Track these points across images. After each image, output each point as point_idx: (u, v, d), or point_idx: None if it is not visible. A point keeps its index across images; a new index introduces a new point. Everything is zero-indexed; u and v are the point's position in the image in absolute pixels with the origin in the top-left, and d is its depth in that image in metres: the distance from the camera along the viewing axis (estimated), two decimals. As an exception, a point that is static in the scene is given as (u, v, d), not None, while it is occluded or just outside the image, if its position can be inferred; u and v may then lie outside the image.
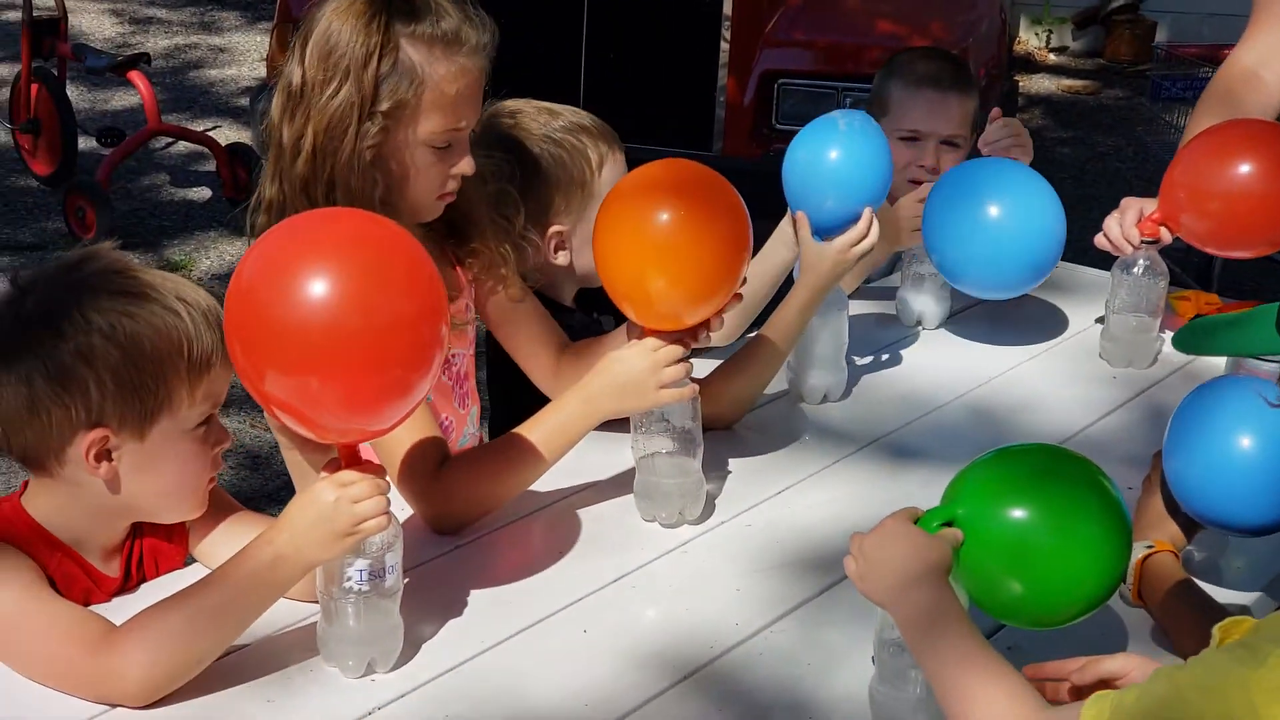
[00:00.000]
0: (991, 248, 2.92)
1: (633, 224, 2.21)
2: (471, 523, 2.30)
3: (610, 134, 2.74)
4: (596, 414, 2.28)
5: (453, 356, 2.52)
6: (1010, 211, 2.91)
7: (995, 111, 3.34)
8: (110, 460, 1.93)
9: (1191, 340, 1.91)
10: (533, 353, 2.59)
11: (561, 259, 2.72)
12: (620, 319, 2.47)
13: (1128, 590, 2.07)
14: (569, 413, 2.28)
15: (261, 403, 1.83)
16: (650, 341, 2.25)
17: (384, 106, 2.25)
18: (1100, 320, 3.09)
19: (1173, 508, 2.16)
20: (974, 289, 3.06)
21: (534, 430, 2.28)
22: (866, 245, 2.56)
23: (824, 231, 2.55)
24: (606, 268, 2.24)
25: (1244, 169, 2.82)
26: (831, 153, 2.55)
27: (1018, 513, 1.83)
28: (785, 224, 2.68)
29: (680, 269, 2.20)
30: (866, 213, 2.54)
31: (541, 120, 2.69)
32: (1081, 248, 3.17)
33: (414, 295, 1.81)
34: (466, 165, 2.35)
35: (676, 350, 2.25)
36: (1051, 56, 10.31)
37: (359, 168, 2.24)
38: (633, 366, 2.24)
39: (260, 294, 1.77)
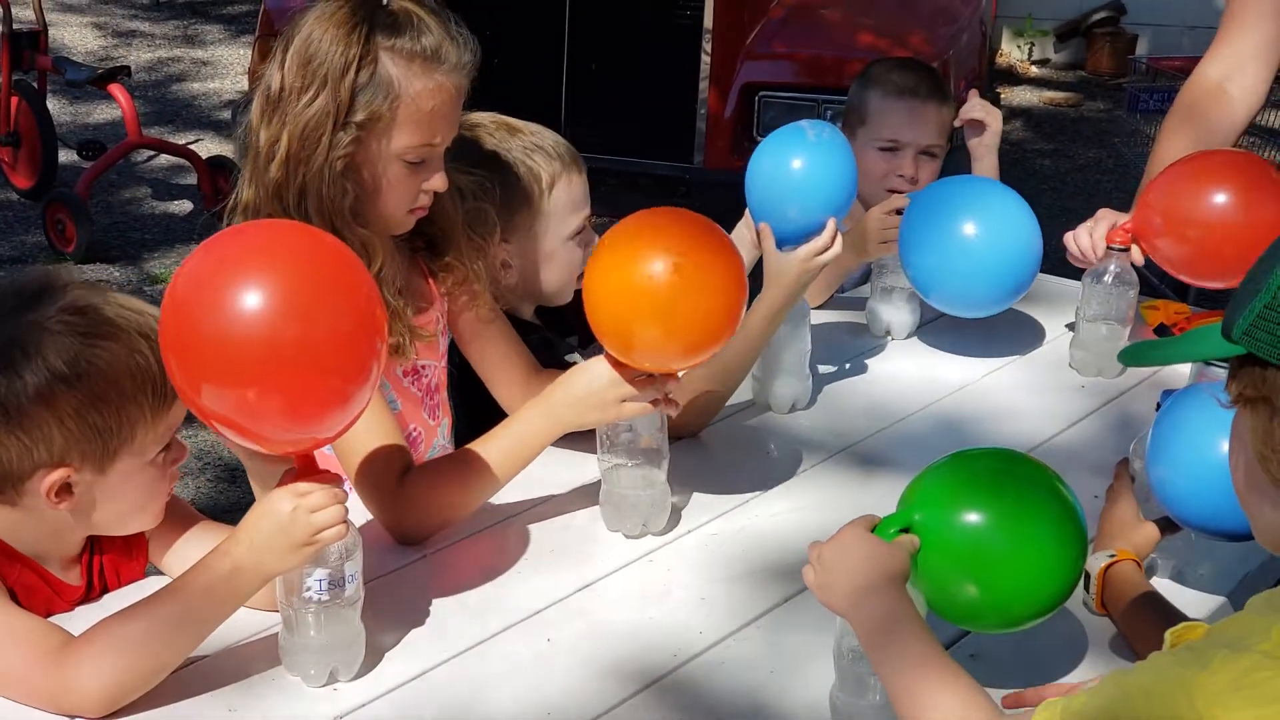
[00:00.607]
0: (968, 266, 2.93)
1: (627, 276, 2.16)
2: (434, 533, 2.30)
3: (569, 155, 2.73)
4: (559, 425, 2.28)
5: (423, 367, 2.52)
6: (987, 230, 2.92)
7: (972, 91, 3.40)
8: (70, 494, 1.93)
9: (1135, 354, 1.91)
10: (501, 373, 2.59)
11: (508, 277, 2.72)
12: (587, 339, 2.47)
13: (1091, 599, 2.08)
14: (531, 424, 2.28)
15: (201, 417, 1.82)
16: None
17: (358, 117, 2.25)
18: (1070, 327, 3.10)
19: (1136, 516, 2.17)
20: (950, 306, 3.06)
21: (496, 441, 2.28)
22: (829, 256, 2.56)
23: (788, 241, 2.56)
24: (597, 316, 2.20)
25: (1220, 199, 2.84)
26: (796, 161, 2.55)
27: (972, 516, 1.85)
28: (742, 227, 2.69)
29: (677, 324, 2.15)
30: (830, 223, 2.54)
31: (498, 136, 2.69)
32: (1060, 258, 3.18)
33: (350, 307, 1.82)
34: (439, 181, 2.35)
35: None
36: (1033, 69, 10.34)
37: (329, 176, 2.25)
38: (596, 378, 2.24)
39: (193, 307, 1.77)
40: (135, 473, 1.97)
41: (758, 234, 2.61)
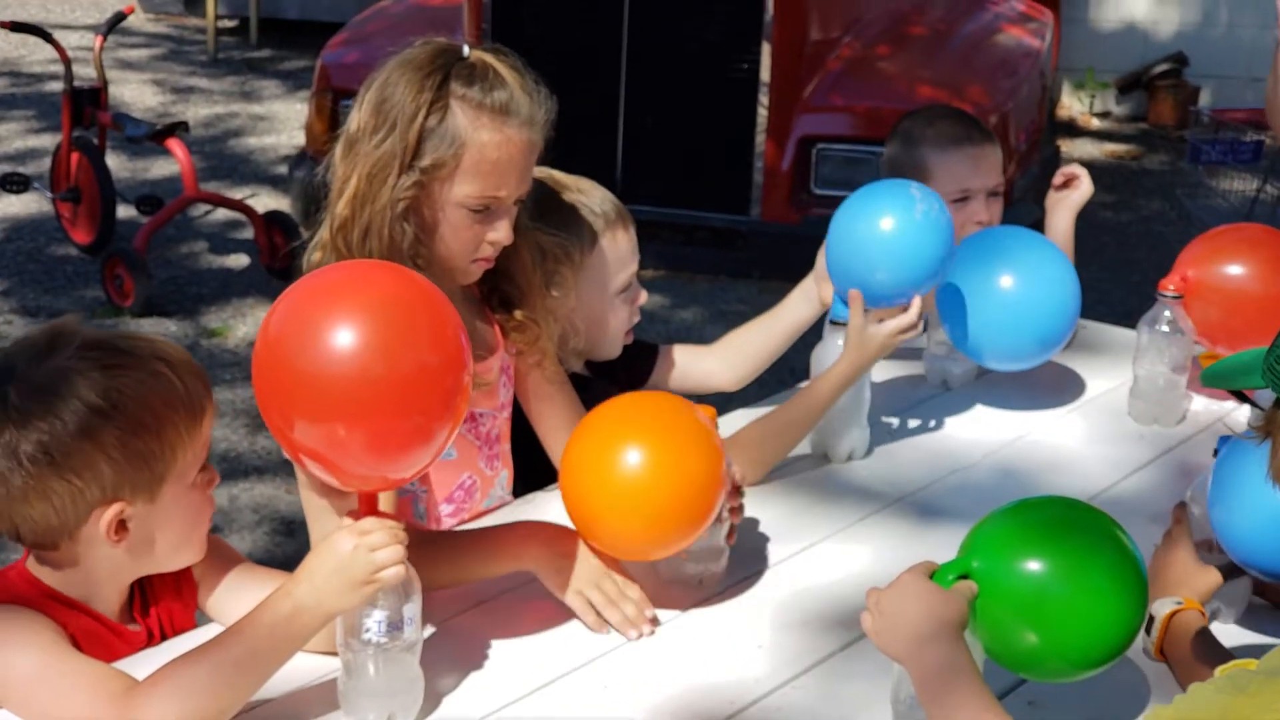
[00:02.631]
0: (1003, 319, 2.92)
1: (599, 464, 2.19)
2: None
3: (615, 211, 2.73)
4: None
5: (479, 415, 2.53)
6: (1023, 283, 2.91)
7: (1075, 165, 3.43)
8: (127, 530, 1.95)
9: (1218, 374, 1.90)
10: (560, 435, 2.58)
11: (573, 338, 2.72)
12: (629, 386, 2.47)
13: (1151, 644, 2.06)
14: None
15: (288, 451, 1.86)
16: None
17: (424, 162, 2.28)
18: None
19: (1196, 561, 2.15)
20: (984, 359, 3.04)
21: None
22: (913, 334, 2.63)
23: (870, 301, 2.58)
24: (571, 502, 2.22)
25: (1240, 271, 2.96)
26: (895, 223, 2.57)
27: (1032, 564, 1.84)
28: (809, 281, 2.69)
29: (651, 512, 2.17)
30: (916, 303, 2.59)
31: (544, 191, 2.70)
32: (1124, 310, 3.17)
33: (438, 345, 1.85)
34: (504, 233, 2.37)
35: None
36: (1095, 121, 10.33)
37: (390, 217, 2.28)
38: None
39: (287, 344, 1.81)
40: (181, 496, 1.98)
41: (848, 299, 2.62)
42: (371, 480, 1.88)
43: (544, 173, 2.68)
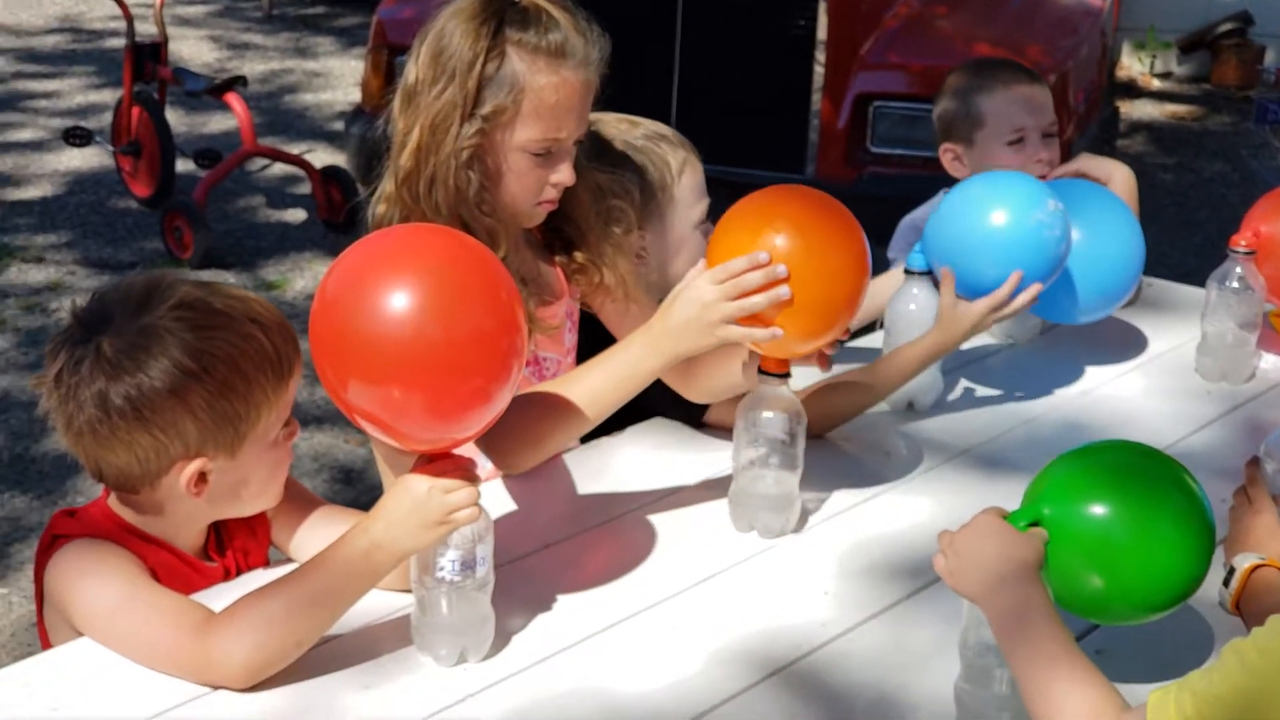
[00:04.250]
0: (1067, 271, 2.90)
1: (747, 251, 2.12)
2: (529, 464, 2.33)
3: (690, 145, 2.75)
4: (661, 357, 2.19)
5: (543, 360, 2.54)
6: (1086, 235, 2.89)
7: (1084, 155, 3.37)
8: (206, 483, 1.98)
9: None
10: None
11: (643, 268, 2.71)
12: None
13: (1228, 596, 2.05)
14: (631, 356, 2.21)
15: (346, 413, 1.87)
16: (713, 272, 2.12)
17: (484, 110, 2.29)
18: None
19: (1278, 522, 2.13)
20: (1048, 313, 3.02)
21: (592, 374, 2.25)
22: (1008, 312, 2.61)
23: (970, 292, 2.58)
24: None
25: None
26: (1023, 219, 2.59)
27: (1101, 508, 1.84)
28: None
29: (795, 303, 2.11)
30: (1015, 276, 2.57)
31: (621, 129, 2.71)
32: (1183, 271, 3.15)
33: (492, 308, 1.85)
34: (566, 174, 2.38)
35: (731, 286, 2.12)
36: (1155, 82, 10.20)
37: (455, 166, 2.29)
38: (691, 303, 2.14)
39: (343, 307, 1.82)
40: (263, 453, 2.01)
41: (940, 276, 2.61)
42: (431, 441, 1.90)
43: (615, 115, 2.69)
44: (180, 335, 1.91)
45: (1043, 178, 3.20)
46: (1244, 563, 2.02)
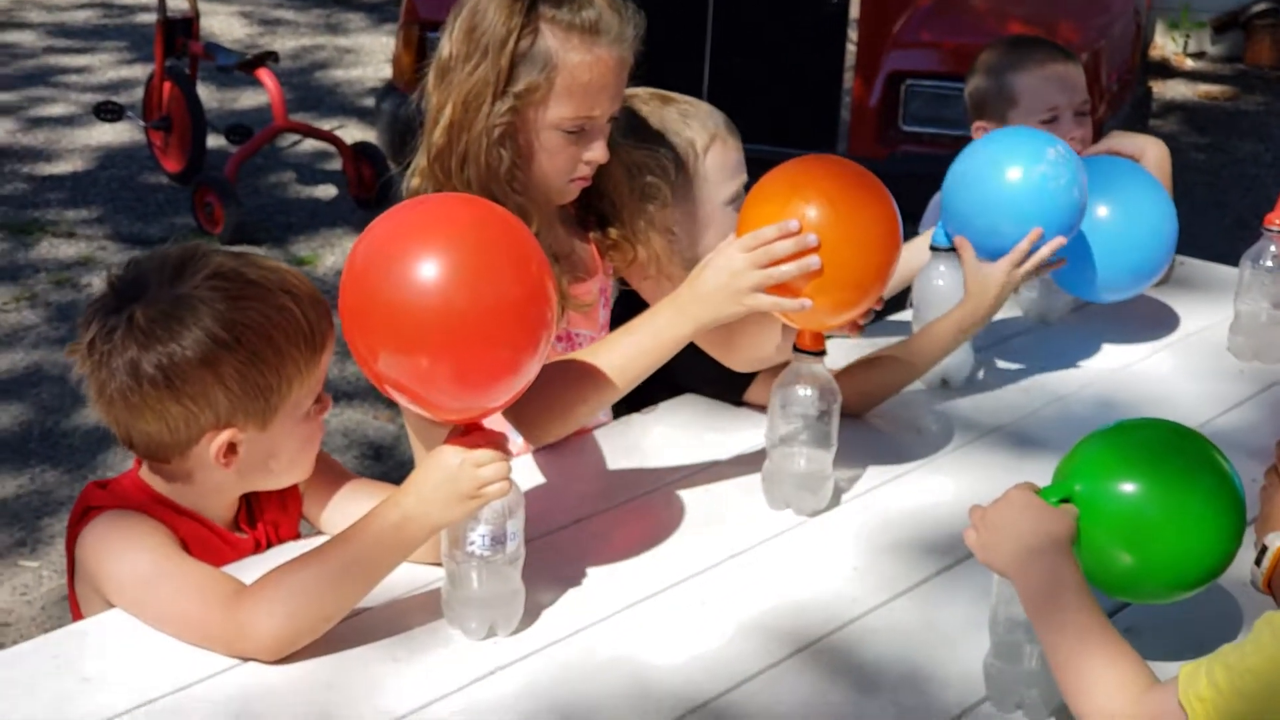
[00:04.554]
0: (1099, 248, 2.89)
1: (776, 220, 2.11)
2: (558, 434, 2.32)
3: (725, 122, 2.71)
4: (691, 324, 2.18)
5: (576, 336, 2.54)
6: (1119, 212, 2.88)
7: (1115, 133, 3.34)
8: (236, 454, 1.98)
9: None
10: None
11: (676, 246, 2.71)
12: None
13: (1260, 575, 2.04)
14: (660, 323, 2.21)
15: (376, 383, 1.87)
16: (743, 240, 2.13)
17: (517, 87, 2.28)
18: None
19: None
20: (1079, 290, 3.02)
21: (622, 342, 2.24)
22: (1030, 265, 2.58)
23: (991, 254, 2.56)
24: None
25: None
26: (1027, 175, 2.56)
27: (1131, 485, 1.83)
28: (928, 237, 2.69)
29: (825, 274, 2.10)
30: (1035, 231, 2.56)
31: (651, 106, 2.70)
32: (1214, 253, 3.13)
33: (521, 278, 1.85)
34: (599, 152, 2.37)
35: (761, 254, 2.12)
36: (1189, 62, 10.15)
37: (487, 144, 2.28)
38: (722, 270, 2.14)
39: (372, 277, 1.82)
40: (294, 426, 2.01)
41: (956, 247, 2.60)
42: (460, 411, 1.89)
43: (650, 90, 2.68)
44: (213, 305, 1.91)
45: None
46: (1276, 541, 2.01)
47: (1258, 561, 1.98)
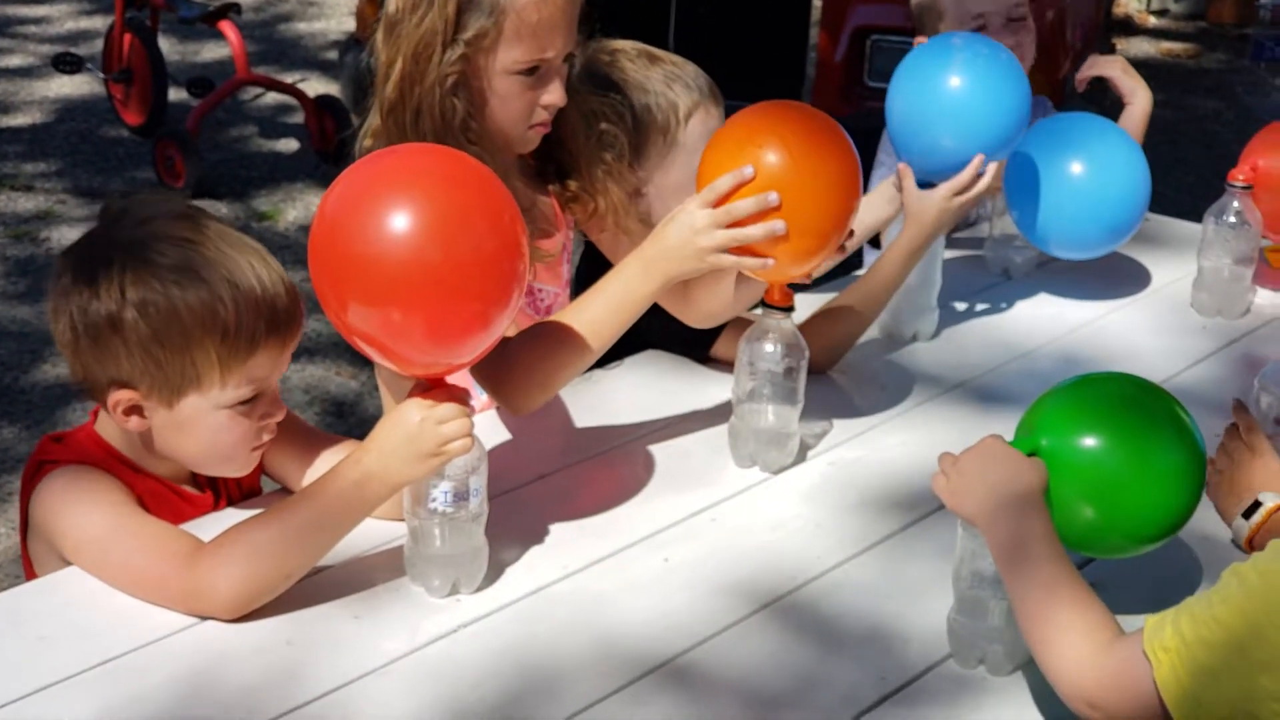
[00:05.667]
0: (1073, 206, 2.89)
1: (734, 168, 2.09)
2: (537, 402, 2.26)
3: (709, 88, 2.67)
4: (657, 279, 2.16)
5: (539, 290, 2.52)
6: (1093, 170, 2.88)
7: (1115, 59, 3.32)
8: (141, 416, 1.96)
9: None
10: None
11: (640, 205, 2.64)
12: None
13: (1247, 529, 2.04)
14: (627, 282, 2.18)
15: (346, 336, 1.85)
16: (702, 195, 2.11)
17: (466, 34, 2.24)
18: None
19: None
20: (1051, 247, 3.01)
21: (590, 303, 2.20)
22: (973, 194, 2.55)
23: (938, 174, 2.52)
24: None
25: None
26: (953, 81, 2.50)
27: (1094, 439, 1.84)
28: (888, 184, 2.66)
29: (785, 220, 2.08)
30: (977, 159, 2.52)
31: (638, 64, 2.66)
32: (1177, 210, 3.13)
33: (494, 230, 1.82)
34: (556, 94, 2.33)
35: (722, 214, 2.10)
36: (1151, 19, 10.15)
37: (440, 94, 2.25)
38: (684, 226, 2.12)
39: (342, 228, 1.80)
40: (206, 414, 1.96)
41: (898, 174, 2.58)
42: (430, 366, 1.88)
43: (639, 46, 2.65)
44: (145, 272, 1.90)
45: (1079, 82, 3.16)
46: (1271, 500, 2.01)
47: (1247, 515, 1.98)
